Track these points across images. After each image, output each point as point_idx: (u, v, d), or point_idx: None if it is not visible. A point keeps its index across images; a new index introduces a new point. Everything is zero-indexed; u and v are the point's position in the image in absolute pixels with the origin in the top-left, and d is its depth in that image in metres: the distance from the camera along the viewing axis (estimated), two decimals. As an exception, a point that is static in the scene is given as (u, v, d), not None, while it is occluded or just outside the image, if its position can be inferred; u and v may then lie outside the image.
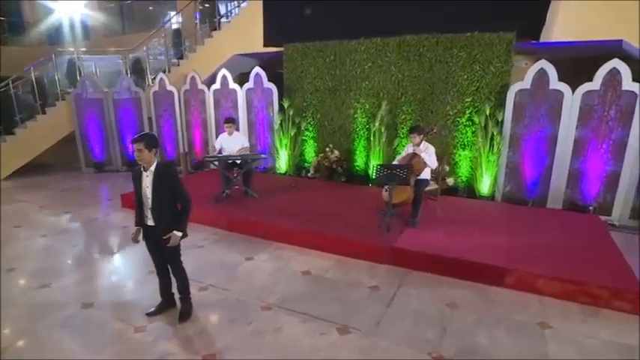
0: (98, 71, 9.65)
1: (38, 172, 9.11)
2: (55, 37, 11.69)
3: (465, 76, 6.10)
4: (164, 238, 3.25)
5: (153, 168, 3.20)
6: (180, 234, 3.30)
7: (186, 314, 3.49)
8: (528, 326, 3.27)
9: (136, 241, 3.37)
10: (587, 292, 3.54)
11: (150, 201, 3.23)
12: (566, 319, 3.37)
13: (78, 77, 8.99)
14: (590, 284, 3.55)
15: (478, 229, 4.83)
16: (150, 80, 9.30)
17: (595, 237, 4.68)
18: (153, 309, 3.56)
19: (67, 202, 6.93)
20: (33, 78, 8.50)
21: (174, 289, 3.60)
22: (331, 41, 7.04)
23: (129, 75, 9.28)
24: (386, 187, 4.72)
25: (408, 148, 5.04)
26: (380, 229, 4.71)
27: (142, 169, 3.22)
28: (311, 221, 5.10)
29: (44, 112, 8.70)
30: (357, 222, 5.05)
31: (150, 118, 9.03)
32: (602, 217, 5.45)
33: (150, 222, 3.30)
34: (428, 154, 4.85)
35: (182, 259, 3.52)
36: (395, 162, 5.14)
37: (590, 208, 5.53)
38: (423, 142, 4.94)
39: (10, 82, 8.31)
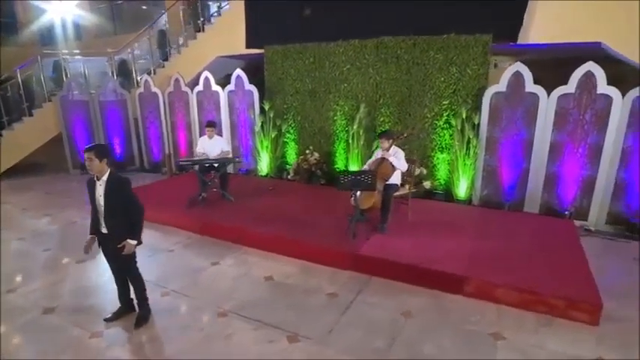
0: (87, 72, 9.69)
1: (28, 173, 9.17)
2: (47, 37, 11.76)
3: (442, 79, 6.04)
4: (118, 246, 3.29)
5: (105, 177, 3.22)
6: (134, 242, 3.32)
7: (142, 320, 3.51)
8: (480, 336, 3.23)
9: (88, 249, 3.38)
10: (545, 301, 3.49)
11: (103, 209, 3.26)
12: (520, 329, 3.33)
13: (64, 79, 9.04)
14: (548, 294, 3.50)
15: (447, 234, 4.79)
16: (136, 82, 9.34)
17: (564, 244, 4.61)
18: (110, 314, 3.60)
19: (49, 205, 6.98)
20: (19, 80, 8.55)
21: (133, 295, 3.65)
22: (310, 43, 7.01)
23: (115, 77, 9.32)
24: (352, 192, 4.71)
25: (377, 154, 5.02)
26: (348, 234, 4.69)
27: (95, 178, 3.25)
28: (281, 226, 5.09)
29: (31, 114, 8.78)
30: (328, 227, 5.02)
31: (136, 120, 9.07)
32: (579, 222, 5.39)
33: (104, 230, 3.33)
34: (397, 157, 4.82)
35: (151, 262, 3.54)
36: (365, 166, 5.12)
37: (567, 212, 5.47)
38: (393, 146, 4.91)
39: (-2, 83, 8.42)
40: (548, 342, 3.16)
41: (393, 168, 4.84)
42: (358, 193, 4.72)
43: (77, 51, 10.94)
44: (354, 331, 3.31)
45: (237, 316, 3.55)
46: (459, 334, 3.27)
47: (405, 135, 5.57)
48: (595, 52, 5.62)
